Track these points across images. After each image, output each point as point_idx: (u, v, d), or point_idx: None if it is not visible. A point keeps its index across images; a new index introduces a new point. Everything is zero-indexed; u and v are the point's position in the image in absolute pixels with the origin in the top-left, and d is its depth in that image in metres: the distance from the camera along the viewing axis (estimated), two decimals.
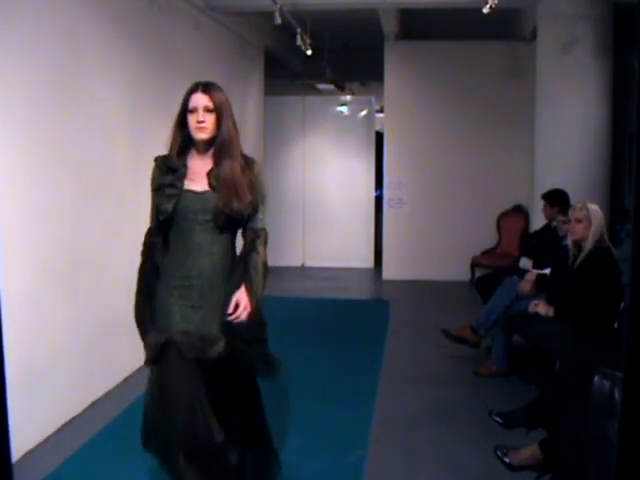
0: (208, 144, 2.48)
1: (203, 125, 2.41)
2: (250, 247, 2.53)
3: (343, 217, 9.35)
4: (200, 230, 2.45)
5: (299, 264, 9.45)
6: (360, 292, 7.99)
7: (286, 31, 6.93)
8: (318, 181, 9.43)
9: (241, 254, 2.56)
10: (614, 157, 6.04)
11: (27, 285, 3.43)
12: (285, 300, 7.22)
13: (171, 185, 2.44)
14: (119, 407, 3.99)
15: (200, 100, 2.43)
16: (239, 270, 2.50)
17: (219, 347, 2.40)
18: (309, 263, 9.45)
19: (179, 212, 2.43)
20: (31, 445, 3.41)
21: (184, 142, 2.49)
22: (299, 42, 6.34)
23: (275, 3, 5.45)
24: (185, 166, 2.48)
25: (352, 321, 6.42)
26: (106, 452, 3.40)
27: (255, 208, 2.52)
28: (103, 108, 4.21)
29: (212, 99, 2.43)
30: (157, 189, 2.48)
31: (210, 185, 2.45)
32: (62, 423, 3.72)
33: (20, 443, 3.24)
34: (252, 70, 7.97)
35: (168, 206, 2.42)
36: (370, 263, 9.27)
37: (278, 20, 5.56)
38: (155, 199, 2.48)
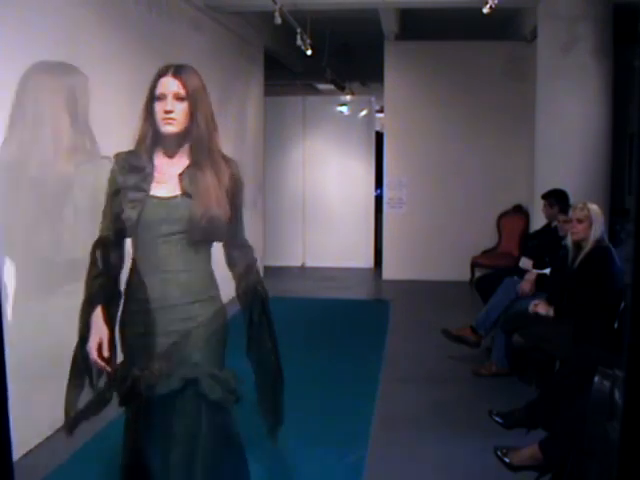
0: (178, 139, 2.06)
1: (171, 115, 2.00)
2: (252, 289, 2.18)
3: (343, 217, 9.35)
4: (164, 243, 2.02)
5: (299, 264, 9.45)
6: (360, 292, 7.99)
7: (286, 31, 6.92)
8: (318, 181, 9.43)
9: (242, 291, 2.19)
10: (614, 157, 6.04)
11: (27, 285, 3.42)
12: (285, 300, 7.21)
13: (135, 188, 2.02)
14: (119, 407, 3.98)
15: (169, 85, 2.01)
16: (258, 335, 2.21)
17: (176, 377, 2.02)
18: (309, 263, 9.45)
19: (141, 221, 2.00)
20: (31, 445, 3.41)
21: (154, 136, 2.08)
22: (299, 42, 6.33)
23: (275, 3, 5.44)
24: (152, 165, 2.06)
25: (352, 321, 6.41)
26: (106, 452, 3.40)
27: (237, 219, 2.15)
28: (103, 109, 4.21)
29: (184, 84, 2.01)
30: (116, 193, 2.05)
31: (182, 189, 2.04)
32: (62, 423, 3.72)
33: (20, 443, 3.24)
34: (252, 70, 7.97)
35: (132, 213, 1.99)
36: (370, 263, 9.27)
37: (278, 20, 5.56)
38: (112, 205, 2.07)
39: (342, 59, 9.28)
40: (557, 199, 5.09)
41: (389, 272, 8.40)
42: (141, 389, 2.04)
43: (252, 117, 7.97)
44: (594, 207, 3.96)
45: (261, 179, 8.47)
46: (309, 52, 6.67)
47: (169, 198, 2.03)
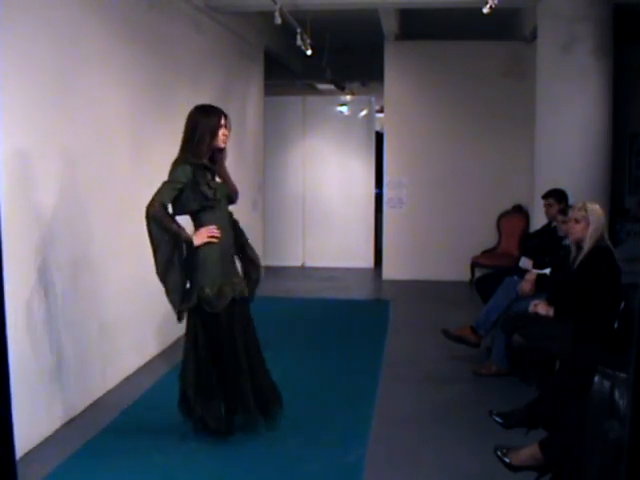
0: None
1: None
2: None
3: (343, 217, 9.35)
4: (226, 206, 3.57)
5: (299, 264, 9.45)
6: (360, 292, 7.99)
7: (286, 31, 6.93)
8: (318, 181, 9.43)
9: None
10: (614, 157, 6.04)
11: (28, 286, 3.43)
12: (285, 300, 7.22)
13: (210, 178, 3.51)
14: (119, 407, 3.99)
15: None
16: None
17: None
18: (309, 263, 9.45)
19: (217, 196, 3.46)
20: (31, 445, 3.41)
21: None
22: (299, 42, 6.33)
23: (275, 3, 5.44)
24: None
25: (352, 321, 6.41)
26: (106, 452, 3.40)
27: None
28: (103, 109, 4.21)
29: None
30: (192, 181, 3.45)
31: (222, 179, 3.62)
32: (62, 423, 3.73)
33: (20, 443, 3.24)
34: (252, 70, 7.97)
35: (209, 192, 3.39)
36: (370, 263, 9.27)
37: (278, 20, 5.56)
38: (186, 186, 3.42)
39: (342, 59, 9.28)
40: (557, 199, 5.08)
41: (389, 272, 8.40)
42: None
43: (252, 117, 7.97)
44: (594, 207, 3.94)
45: (261, 179, 8.47)
46: (309, 52, 6.67)
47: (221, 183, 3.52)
